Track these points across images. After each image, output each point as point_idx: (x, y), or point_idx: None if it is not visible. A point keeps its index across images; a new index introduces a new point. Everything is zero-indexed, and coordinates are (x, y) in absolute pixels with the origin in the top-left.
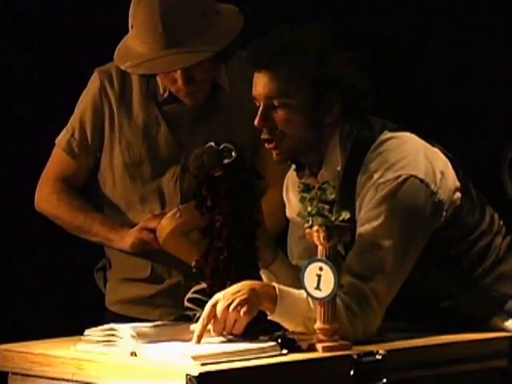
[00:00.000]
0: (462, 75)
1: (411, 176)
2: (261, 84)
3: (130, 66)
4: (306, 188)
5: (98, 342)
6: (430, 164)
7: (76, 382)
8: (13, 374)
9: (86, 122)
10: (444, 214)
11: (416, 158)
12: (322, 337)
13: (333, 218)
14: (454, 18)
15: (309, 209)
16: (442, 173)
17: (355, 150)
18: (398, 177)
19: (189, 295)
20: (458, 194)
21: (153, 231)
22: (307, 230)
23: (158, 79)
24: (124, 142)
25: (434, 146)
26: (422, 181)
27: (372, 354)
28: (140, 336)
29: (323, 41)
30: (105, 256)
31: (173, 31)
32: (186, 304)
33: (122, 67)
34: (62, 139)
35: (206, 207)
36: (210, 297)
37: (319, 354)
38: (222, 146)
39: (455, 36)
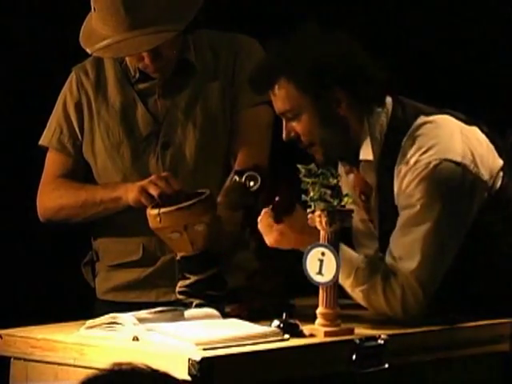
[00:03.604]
0: (465, 57)
1: (446, 160)
2: (274, 103)
3: (97, 49)
4: (308, 173)
5: (100, 327)
6: (467, 145)
7: (78, 366)
8: (15, 358)
9: (71, 116)
10: (485, 194)
11: (451, 140)
12: (324, 321)
13: (335, 203)
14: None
15: (311, 194)
16: (481, 152)
17: (390, 137)
18: (433, 161)
19: (178, 289)
20: (500, 173)
21: (152, 196)
22: (309, 215)
23: (128, 60)
24: (103, 127)
25: (471, 124)
26: (458, 164)
27: (374, 338)
28: (142, 322)
29: (310, 43)
30: (91, 249)
31: (135, 12)
32: (178, 296)
33: (89, 51)
34: (52, 140)
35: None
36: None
37: (321, 338)
38: (244, 177)
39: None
